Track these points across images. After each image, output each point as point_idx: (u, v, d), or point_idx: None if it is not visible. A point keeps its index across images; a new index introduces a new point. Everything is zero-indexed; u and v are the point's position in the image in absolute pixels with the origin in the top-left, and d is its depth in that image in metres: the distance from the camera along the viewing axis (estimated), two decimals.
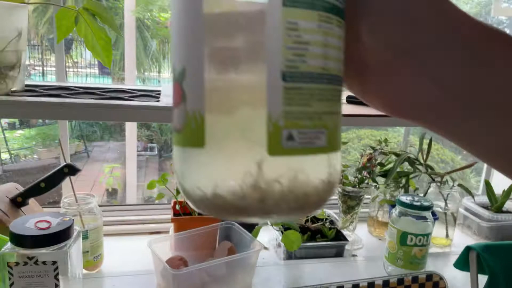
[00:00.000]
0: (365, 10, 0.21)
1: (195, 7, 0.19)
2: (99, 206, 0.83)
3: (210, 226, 0.84)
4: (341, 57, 0.21)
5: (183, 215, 0.87)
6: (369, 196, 1.11)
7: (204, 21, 0.19)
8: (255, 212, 0.19)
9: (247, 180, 0.19)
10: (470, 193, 1.03)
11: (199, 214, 0.88)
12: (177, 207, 0.88)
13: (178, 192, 0.89)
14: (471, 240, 1.10)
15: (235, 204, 0.19)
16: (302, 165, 0.19)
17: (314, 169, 0.20)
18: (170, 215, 0.87)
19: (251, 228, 0.85)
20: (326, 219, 1.04)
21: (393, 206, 0.99)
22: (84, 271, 0.80)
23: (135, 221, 1.03)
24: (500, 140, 0.21)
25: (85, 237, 0.78)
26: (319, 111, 0.20)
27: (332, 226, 1.00)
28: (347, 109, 0.75)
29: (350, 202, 1.06)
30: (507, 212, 1.10)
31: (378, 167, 1.06)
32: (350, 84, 0.24)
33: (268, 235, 1.04)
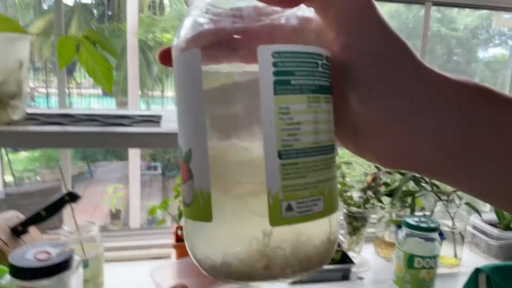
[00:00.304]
0: (352, 83, 0.22)
1: (196, 96, 0.21)
2: (100, 231, 0.82)
3: None
4: (331, 128, 0.23)
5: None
6: (375, 216, 1.09)
7: (207, 108, 0.21)
8: (261, 278, 0.21)
9: (252, 249, 0.21)
10: (477, 211, 1.01)
11: None
12: (179, 232, 0.87)
13: (180, 216, 0.88)
14: (480, 258, 1.08)
15: (243, 272, 0.21)
16: (302, 231, 0.21)
17: (314, 233, 0.22)
18: (171, 240, 0.86)
19: None
20: None
21: (399, 226, 0.97)
22: None
23: (137, 246, 1.01)
24: (498, 185, 0.22)
25: (85, 265, 0.76)
26: (314, 180, 0.21)
27: (338, 249, 0.98)
28: None
29: (356, 223, 1.04)
30: None
31: (383, 186, 1.04)
32: (346, 144, 0.25)
33: None
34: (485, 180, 0.22)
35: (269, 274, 0.21)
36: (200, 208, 0.22)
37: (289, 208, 0.20)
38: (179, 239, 0.86)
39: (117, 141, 0.68)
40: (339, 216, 0.24)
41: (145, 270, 0.74)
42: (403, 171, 1.03)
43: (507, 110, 0.22)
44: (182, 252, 0.83)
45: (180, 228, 0.88)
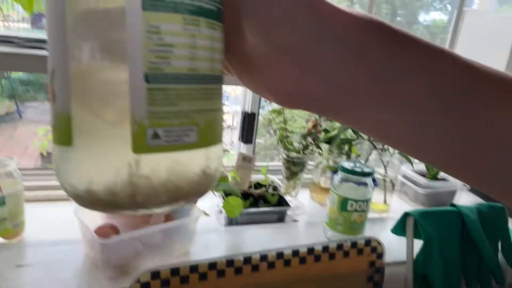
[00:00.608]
0: (244, 11, 0.22)
1: (59, 7, 0.19)
2: (23, 169, 0.75)
3: None
4: (215, 57, 0.21)
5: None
6: (313, 163, 1.10)
7: (68, 22, 0.19)
8: (127, 207, 0.20)
9: (116, 177, 0.19)
10: (409, 160, 1.05)
11: None
12: None
13: None
14: (407, 206, 1.14)
15: (108, 200, 0.20)
16: (173, 161, 0.20)
17: (185, 164, 0.20)
18: None
19: None
20: (269, 185, 1.02)
21: (335, 172, 0.99)
22: (2, 240, 0.72)
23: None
24: (386, 125, 0.22)
25: (2, 203, 0.70)
26: (187, 109, 0.20)
27: (275, 192, 0.99)
28: None
29: (294, 168, 1.04)
30: (443, 179, 1.14)
31: (323, 133, 1.05)
32: (240, 76, 0.24)
33: (210, 202, 1.00)
34: (373, 119, 0.22)
35: (135, 203, 0.20)
36: (61, 131, 0.20)
37: (155, 135, 0.19)
38: None
39: (35, 65, 0.61)
40: (221, 149, 0.23)
41: (71, 210, 0.69)
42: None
43: (400, 48, 0.21)
44: None
45: None
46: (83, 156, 0.20)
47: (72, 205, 0.71)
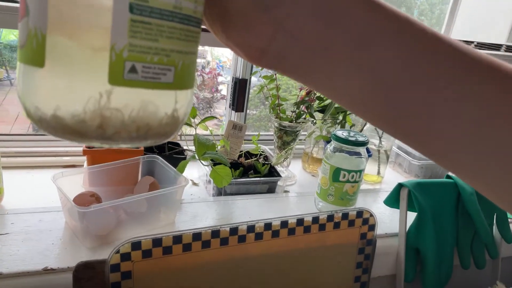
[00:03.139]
0: None
1: None
2: (7, 135, 0.71)
3: (130, 159, 0.75)
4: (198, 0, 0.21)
5: (98, 147, 0.77)
6: (305, 133, 1.07)
7: None
8: (94, 137, 0.19)
9: (87, 106, 0.19)
10: None
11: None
12: None
13: None
14: (401, 178, 1.12)
15: (74, 128, 0.19)
16: (145, 98, 0.20)
17: (158, 103, 0.20)
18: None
19: (177, 162, 0.78)
20: (260, 154, 0.99)
21: (328, 142, 0.96)
22: None
23: (45, 153, 0.91)
24: (350, 88, 0.22)
25: None
26: (167, 48, 0.20)
27: (266, 162, 0.96)
28: None
29: (286, 138, 1.01)
30: None
31: (317, 101, 1.01)
32: (214, 27, 0.24)
33: (198, 171, 0.97)
34: (340, 84, 0.22)
35: (102, 134, 0.19)
36: (33, 50, 0.19)
37: (133, 69, 0.19)
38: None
39: (7, 20, 0.56)
40: (191, 95, 0.23)
41: (51, 177, 0.66)
42: None
43: (376, 15, 0.21)
44: (94, 158, 0.75)
45: None
46: (54, 79, 0.19)
47: (51, 172, 0.68)
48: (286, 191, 0.95)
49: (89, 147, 0.76)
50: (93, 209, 0.60)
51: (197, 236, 0.59)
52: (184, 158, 0.87)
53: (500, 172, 0.22)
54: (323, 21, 0.21)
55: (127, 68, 0.19)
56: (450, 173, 1.07)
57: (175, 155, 0.89)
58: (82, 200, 0.64)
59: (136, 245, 0.55)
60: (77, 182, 0.71)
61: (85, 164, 0.79)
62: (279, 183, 0.92)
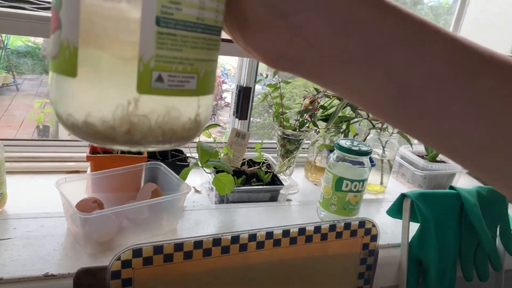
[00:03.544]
0: None
1: None
2: (4, 140, 0.71)
3: (134, 166, 0.76)
4: (219, 8, 0.22)
5: (102, 153, 0.78)
6: (309, 142, 1.07)
7: None
8: (123, 142, 0.21)
9: (116, 113, 0.20)
10: (408, 141, 1.01)
11: (121, 152, 0.79)
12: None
13: None
14: (404, 188, 1.11)
15: (104, 133, 0.20)
16: (170, 104, 0.21)
17: (182, 109, 0.21)
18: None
19: (180, 169, 0.78)
20: (263, 162, 0.99)
21: (331, 151, 0.95)
22: None
23: (49, 158, 0.92)
24: (368, 87, 0.23)
25: None
26: (191, 57, 0.21)
27: (269, 170, 0.96)
28: None
29: (289, 146, 1.01)
30: (441, 162, 1.11)
31: (320, 110, 1.01)
32: (234, 35, 0.25)
33: (201, 178, 0.97)
34: (356, 86, 0.23)
35: (130, 139, 0.21)
36: (65, 61, 0.20)
37: (160, 78, 0.20)
38: (96, 151, 0.78)
39: (13, 26, 0.57)
40: (212, 100, 0.24)
41: (54, 183, 0.66)
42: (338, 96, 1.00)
43: (389, 17, 0.22)
44: (97, 164, 0.75)
45: None
46: (86, 88, 0.20)
47: (55, 178, 0.68)
48: (288, 200, 0.94)
49: (93, 153, 0.77)
50: (95, 215, 0.60)
51: (198, 244, 0.59)
52: (187, 165, 0.87)
53: None
54: (339, 28, 0.22)
55: (154, 77, 0.20)
56: (453, 184, 1.06)
57: (178, 162, 0.89)
58: (85, 206, 0.64)
59: (137, 252, 0.55)
60: (80, 188, 0.71)
61: (89, 170, 0.79)
62: (281, 191, 0.91)
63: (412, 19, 0.22)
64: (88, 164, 0.80)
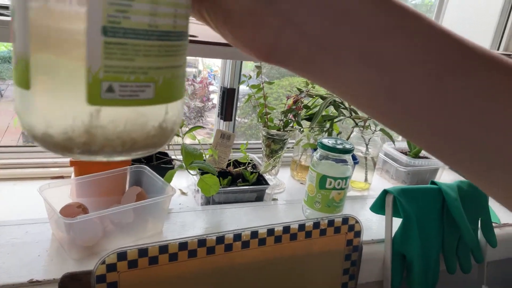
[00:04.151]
0: None
1: None
2: None
3: (118, 170, 0.76)
4: (179, 13, 0.21)
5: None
6: (293, 141, 1.08)
7: None
8: (81, 153, 0.20)
9: (71, 124, 0.20)
10: (391, 138, 1.03)
11: None
12: None
13: None
14: (388, 184, 1.13)
15: (62, 144, 0.20)
16: (126, 114, 0.20)
17: (141, 118, 0.21)
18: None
19: (165, 172, 0.78)
20: (249, 163, 0.99)
21: (315, 150, 0.97)
22: None
23: (33, 164, 0.91)
24: (359, 85, 0.22)
25: None
26: (144, 66, 0.20)
27: (254, 171, 0.96)
28: None
29: (274, 146, 1.02)
30: (424, 157, 1.13)
31: (304, 110, 1.02)
32: (219, 28, 0.24)
33: (187, 180, 0.98)
34: (347, 77, 0.22)
35: (88, 150, 0.20)
36: (20, 73, 0.20)
37: (110, 89, 0.19)
38: None
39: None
40: (181, 105, 0.23)
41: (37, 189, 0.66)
42: (324, 94, 1.01)
43: (383, 7, 0.21)
44: (81, 169, 0.75)
45: None
46: (40, 100, 0.20)
47: (39, 184, 0.68)
48: (274, 199, 0.95)
49: None
50: (79, 220, 0.60)
51: (183, 245, 0.59)
52: (172, 168, 0.87)
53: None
54: (330, 16, 0.21)
55: (103, 88, 0.19)
56: (436, 179, 1.08)
57: (162, 165, 0.90)
58: (69, 211, 0.64)
59: (122, 256, 0.55)
60: (64, 193, 0.71)
61: (73, 175, 0.79)
62: (267, 191, 0.92)
63: (405, 10, 0.22)
64: (72, 169, 0.79)
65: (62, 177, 0.92)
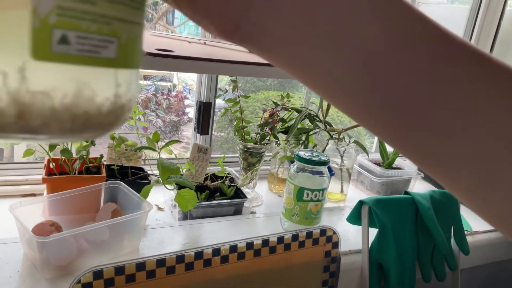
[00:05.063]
0: None
1: None
2: None
3: (92, 186, 0.74)
4: None
5: (58, 174, 0.76)
6: (270, 154, 1.09)
7: None
8: (15, 131, 0.15)
9: (2, 90, 0.14)
10: (364, 149, 1.05)
11: (79, 173, 0.77)
12: (52, 165, 0.76)
13: (51, 148, 0.77)
14: (363, 195, 1.15)
15: None
16: (81, 77, 0.16)
17: (97, 84, 0.16)
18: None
19: (141, 187, 0.77)
20: (226, 176, 0.99)
21: (292, 162, 0.97)
22: None
23: (4, 182, 0.88)
24: (339, 73, 0.21)
25: None
26: (108, 14, 0.16)
27: (232, 184, 0.96)
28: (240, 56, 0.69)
29: (251, 159, 1.02)
30: (397, 168, 1.16)
31: (280, 123, 1.03)
32: (179, 4, 0.21)
33: (164, 196, 0.97)
34: (320, 62, 0.21)
35: (26, 126, 0.15)
36: None
37: (64, 40, 0.15)
38: (52, 173, 0.76)
39: None
40: (138, 77, 0.19)
41: (8, 207, 0.64)
42: (300, 108, 1.03)
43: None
44: (54, 186, 0.73)
45: (54, 160, 0.77)
46: None
47: (10, 202, 0.66)
48: (253, 212, 0.95)
49: (50, 175, 0.75)
50: (52, 239, 0.59)
51: (161, 262, 0.58)
52: (148, 183, 0.86)
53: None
54: None
55: (55, 37, 0.14)
56: (408, 190, 1.11)
57: (138, 180, 0.88)
58: (41, 230, 0.62)
59: (97, 274, 0.54)
60: (36, 211, 0.69)
61: (45, 192, 0.77)
62: (245, 204, 0.92)
63: None
64: (44, 186, 0.77)
65: (34, 194, 0.89)
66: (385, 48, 0.20)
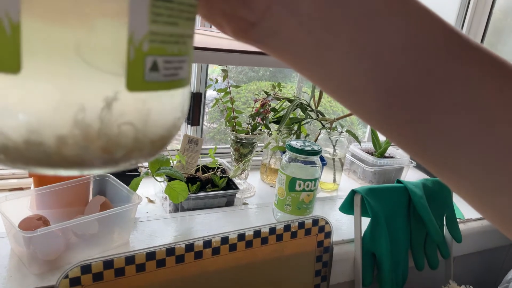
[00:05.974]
0: None
1: None
2: None
3: (80, 179, 0.73)
4: None
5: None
6: (262, 144, 1.08)
7: None
8: (97, 165, 0.14)
9: (86, 123, 0.13)
10: (357, 139, 1.05)
11: None
12: None
13: None
14: (356, 184, 1.15)
15: (71, 155, 0.13)
16: (160, 101, 0.15)
17: (172, 106, 0.15)
18: None
19: (130, 180, 0.76)
20: (218, 168, 0.98)
21: (284, 152, 0.97)
22: None
23: None
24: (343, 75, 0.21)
25: None
26: (184, 33, 0.15)
27: (224, 175, 0.95)
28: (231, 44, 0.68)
29: (243, 150, 1.01)
30: (390, 157, 1.15)
31: (272, 113, 1.02)
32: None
33: (154, 188, 0.95)
34: (335, 66, 0.21)
35: (109, 159, 0.14)
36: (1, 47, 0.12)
37: (155, 66, 0.14)
38: None
39: None
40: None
41: None
42: (292, 97, 1.02)
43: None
44: (41, 180, 0.71)
45: None
46: (35, 89, 0.12)
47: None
48: (245, 203, 0.94)
49: None
50: (39, 233, 0.57)
51: (151, 255, 0.58)
52: (138, 175, 0.85)
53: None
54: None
55: (148, 65, 0.14)
56: (401, 178, 1.10)
57: (127, 172, 0.87)
58: (28, 224, 0.61)
59: (86, 269, 0.53)
60: (23, 205, 0.68)
61: (32, 186, 0.75)
62: (237, 195, 0.91)
63: None
64: (31, 180, 0.76)
65: (21, 188, 0.87)
66: (402, 49, 0.20)
